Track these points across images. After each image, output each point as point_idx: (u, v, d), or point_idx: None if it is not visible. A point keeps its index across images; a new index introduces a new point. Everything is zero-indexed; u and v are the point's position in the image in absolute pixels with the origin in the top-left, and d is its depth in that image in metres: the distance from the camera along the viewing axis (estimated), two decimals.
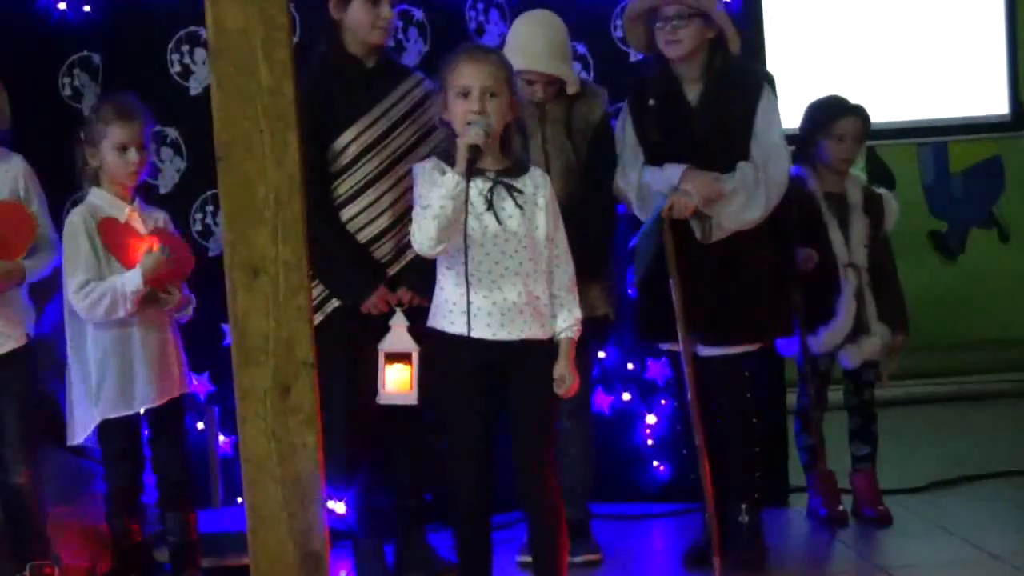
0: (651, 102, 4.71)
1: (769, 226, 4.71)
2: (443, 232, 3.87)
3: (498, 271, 3.96)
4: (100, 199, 4.44)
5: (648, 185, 4.66)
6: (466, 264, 3.89)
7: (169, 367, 4.45)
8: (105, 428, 4.43)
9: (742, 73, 4.79)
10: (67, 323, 4.45)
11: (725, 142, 4.66)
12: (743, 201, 4.59)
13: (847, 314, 5.20)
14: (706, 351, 4.68)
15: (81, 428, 4.44)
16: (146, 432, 4.54)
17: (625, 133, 4.78)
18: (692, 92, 4.69)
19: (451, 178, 3.84)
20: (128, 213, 4.43)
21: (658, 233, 4.54)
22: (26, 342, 4.48)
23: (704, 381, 4.64)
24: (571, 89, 4.78)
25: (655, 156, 4.68)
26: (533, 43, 4.73)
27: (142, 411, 4.45)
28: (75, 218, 4.40)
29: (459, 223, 3.85)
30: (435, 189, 3.89)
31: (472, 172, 3.86)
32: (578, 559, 4.80)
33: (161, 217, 4.57)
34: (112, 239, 4.38)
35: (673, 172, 4.58)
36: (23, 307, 4.49)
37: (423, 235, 3.92)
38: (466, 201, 3.84)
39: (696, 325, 4.58)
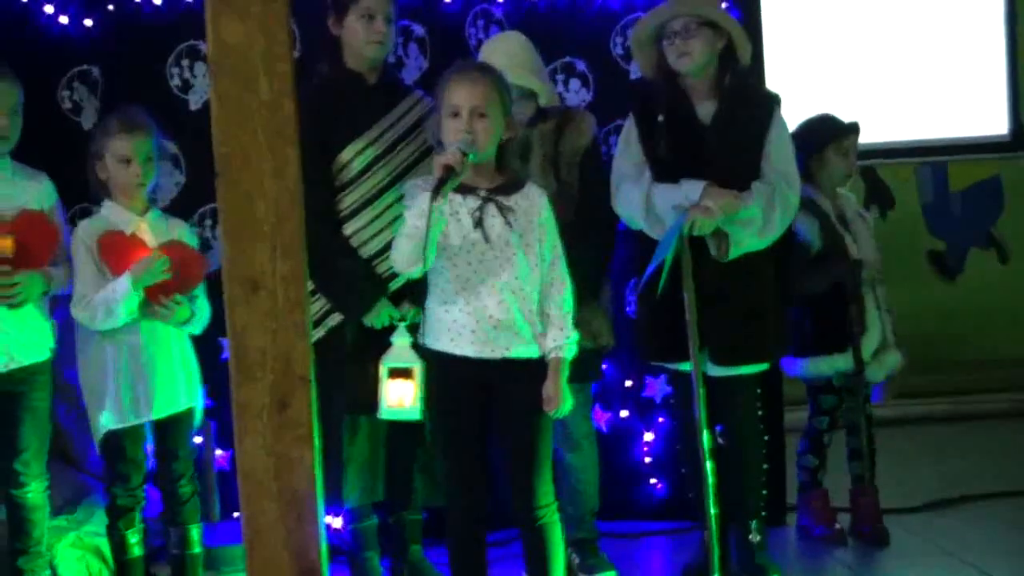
0: (660, 118, 4.65)
1: (777, 246, 4.66)
2: (417, 251, 3.87)
3: (484, 288, 3.97)
4: (110, 211, 4.46)
5: (658, 201, 4.57)
6: (448, 280, 3.92)
7: (164, 381, 4.44)
8: (107, 440, 4.42)
9: (754, 91, 4.78)
10: (76, 337, 4.46)
11: (737, 161, 4.60)
12: (761, 220, 4.54)
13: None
14: (716, 371, 4.64)
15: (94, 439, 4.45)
16: (152, 445, 4.55)
17: (630, 148, 4.70)
18: (704, 109, 4.64)
19: (422, 198, 3.86)
20: (137, 225, 4.44)
21: (676, 249, 4.46)
22: (49, 356, 4.49)
23: (713, 400, 4.56)
24: (543, 101, 4.74)
25: (664, 173, 4.60)
26: (494, 59, 4.71)
27: (145, 424, 4.44)
28: (79, 232, 4.43)
29: (434, 242, 3.87)
30: (411, 209, 3.92)
31: (442, 192, 3.85)
32: None
33: (179, 228, 4.58)
34: (111, 253, 4.38)
35: (692, 188, 4.50)
36: (47, 320, 4.50)
37: (396, 254, 3.98)
38: (429, 220, 3.83)
39: (705, 345, 4.54)
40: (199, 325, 4.51)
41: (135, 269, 4.32)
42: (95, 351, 4.41)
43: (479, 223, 3.98)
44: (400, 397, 4.32)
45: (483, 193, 4.01)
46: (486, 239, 3.98)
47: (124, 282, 4.30)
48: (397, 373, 4.33)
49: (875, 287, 5.29)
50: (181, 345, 4.51)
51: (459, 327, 3.99)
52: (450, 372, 4.00)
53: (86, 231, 4.41)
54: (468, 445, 4.04)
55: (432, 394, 4.12)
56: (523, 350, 4.03)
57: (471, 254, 3.97)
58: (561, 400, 4.03)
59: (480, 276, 3.98)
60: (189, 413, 4.53)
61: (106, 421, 4.39)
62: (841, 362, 5.22)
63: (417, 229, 3.87)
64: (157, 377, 4.42)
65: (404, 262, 3.97)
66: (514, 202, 4.03)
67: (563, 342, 4.05)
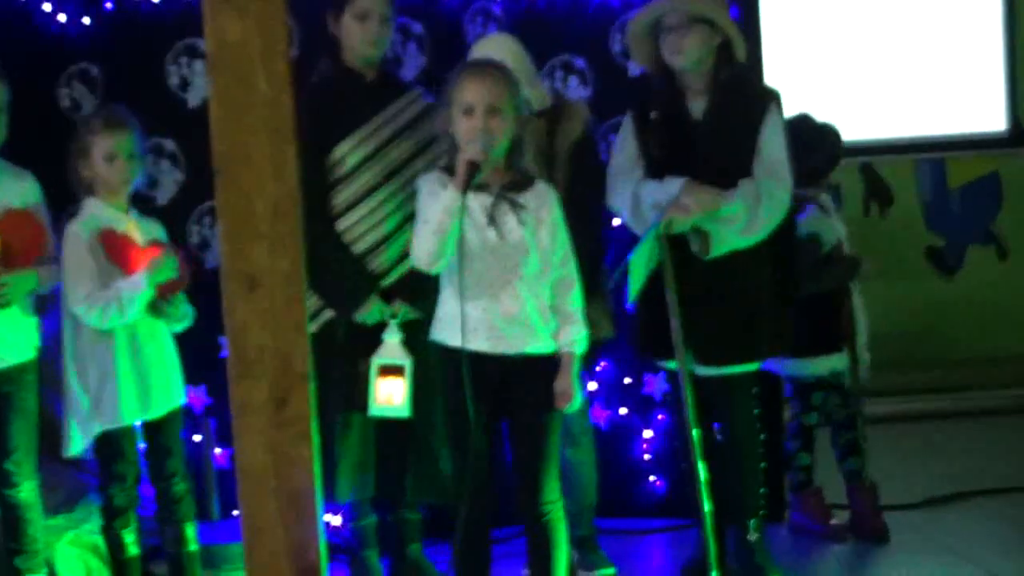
0: (652, 115, 4.63)
1: (769, 245, 4.58)
2: (442, 247, 3.89)
3: (499, 285, 3.98)
4: (97, 209, 4.43)
5: (644, 199, 4.55)
6: (462, 277, 3.92)
7: (160, 379, 4.45)
8: (100, 440, 4.42)
9: (749, 87, 4.72)
10: (66, 335, 4.43)
11: (728, 158, 4.54)
12: (745, 219, 4.47)
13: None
14: (703, 371, 4.61)
15: (76, 441, 4.43)
16: (143, 444, 4.54)
17: (625, 145, 4.68)
18: (697, 105, 4.60)
19: (449, 193, 3.87)
20: (126, 224, 4.44)
21: (656, 248, 4.46)
22: (35, 355, 4.47)
23: (708, 399, 4.55)
24: (535, 105, 4.68)
25: (656, 170, 4.58)
26: None
27: (137, 423, 4.44)
28: (75, 229, 4.39)
29: (455, 237, 3.88)
30: (435, 204, 3.92)
31: (469, 188, 3.87)
32: (592, 575, 4.83)
33: (157, 228, 4.58)
34: (114, 250, 4.38)
35: (673, 185, 4.47)
36: (32, 318, 4.48)
37: (422, 249, 3.96)
38: (462, 216, 3.87)
39: (692, 344, 4.50)
40: (187, 322, 4.53)
41: (151, 267, 4.32)
42: (91, 351, 4.38)
43: (492, 220, 3.99)
44: (389, 394, 4.32)
45: (495, 191, 4.01)
46: (500, 236, 3.99)
47: (141, 280, 4.31)
48: (387, 370, 4.34)
49: (857, 286, 5.30)
50: (170, 343, 4.52)
51: (475, 323, 3.98)
52: (463, 368, 3.98)
53: (82, 230, 4.39)
54: (479, 442, 4.04)
55: (442, 391, 4.11)
56: (537, 346, 4.04)
57: (486, 251, 3.98)
58: (573, 395, 4.05)
59: (495, 273, 3.98)
60: (179, 410, 4.54)
61: (98, 427, 4.38)
62: (836, 360, 5.23)
63: (443, 224, 3.88)
64: (156, 375, 4.43)
65: (429, 258, 3.96)
66: (525, 200, 4.03)
67: (575, 337, 4.07)
